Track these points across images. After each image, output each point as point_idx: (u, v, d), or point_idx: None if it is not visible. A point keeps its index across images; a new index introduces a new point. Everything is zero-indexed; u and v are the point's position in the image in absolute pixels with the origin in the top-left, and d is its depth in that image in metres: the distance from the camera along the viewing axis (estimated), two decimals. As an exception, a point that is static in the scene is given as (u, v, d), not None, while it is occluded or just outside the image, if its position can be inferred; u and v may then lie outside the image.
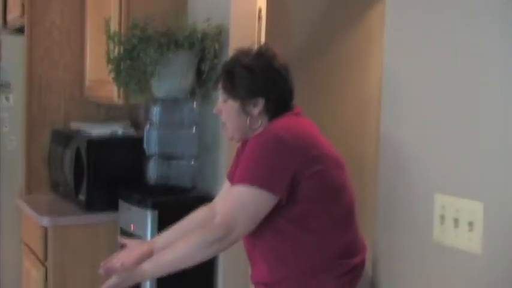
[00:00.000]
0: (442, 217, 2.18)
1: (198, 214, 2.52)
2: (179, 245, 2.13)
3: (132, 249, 2.35)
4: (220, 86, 2.29)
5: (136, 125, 4.07)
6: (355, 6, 4.06)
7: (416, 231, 2.29)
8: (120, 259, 2.28)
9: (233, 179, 2.16)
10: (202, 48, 3.27)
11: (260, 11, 3.49)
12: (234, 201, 2.10)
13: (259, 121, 2.24)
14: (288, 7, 4.03)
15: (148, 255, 2.28)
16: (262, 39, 3.54)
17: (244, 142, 2.34)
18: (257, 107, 2.23)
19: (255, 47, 2.38)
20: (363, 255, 2.28)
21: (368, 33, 3.98)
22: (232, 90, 2.24)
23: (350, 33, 4.08)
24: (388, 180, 2.41)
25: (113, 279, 2.13)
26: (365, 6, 4.03)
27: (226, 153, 3.33)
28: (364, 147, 3.95)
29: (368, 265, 2.38)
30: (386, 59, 2.43)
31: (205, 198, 3.31)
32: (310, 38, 4.10)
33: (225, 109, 2.28)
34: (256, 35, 3.43)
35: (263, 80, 2.23)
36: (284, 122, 2.20)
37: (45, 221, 3.45)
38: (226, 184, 2.46)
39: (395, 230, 2.38)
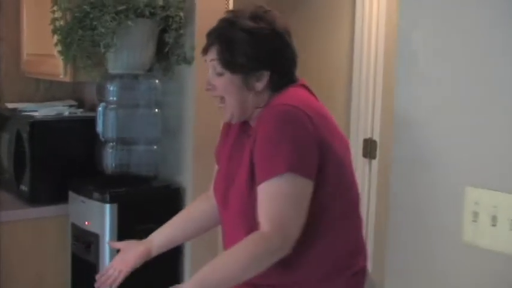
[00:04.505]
0: (475, 214, 1.87)
1: (198, 205, 2.19)
2: (228, 260, 1.76)
3: (127, 253, 2.08)
4: (212, 55, 1.86)
5: (81, 105, 3.63)
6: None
7: (440, 231, 1.98)
8: (116, 267, 2.06)
9: (258, 175, 1.77)
10: (165, 17, 2.86)
11: (228, -26, 3.11)
12: (276, 199, 1.73)
13: (263, 97, 1.86)
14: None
15: (146, 256, 2.08)
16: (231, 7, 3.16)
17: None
18: (261, 81, 1.84)
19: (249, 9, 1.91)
20: (366, 256, 1.99)
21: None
22: (231, 61, 1.83)
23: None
24: (405, 171, 2.08)
25: None
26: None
27: (191, 137, 2.99)
28: (335, 103, 3.89)
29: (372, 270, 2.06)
30: (401, 26, 2.09)
31: (171, 188, 3.00)
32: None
33: (222, 84, 1.86)
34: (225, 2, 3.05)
35: (269, 47, 1.84)
36: (294, 93, 1.85)
37: (-19, 217, 3.01)
38: (216, 167, 2.10)
39: (413, 231, 2.06)
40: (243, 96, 1.85)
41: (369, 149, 3.78)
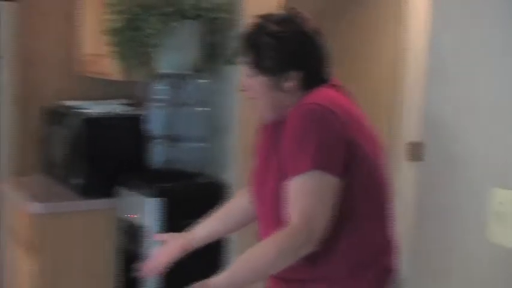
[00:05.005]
0: (500, 214, 1.90)
1: (238, 200, 2.26)
2: (257, 254, 1.83)
3: (169, 245, 2.18)
4: (244, 58, 1.96)
5: (134, 103, 3.76)
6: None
7: (467, 230, 2.01)
8: (158, 258, 2.17)
9: (286, 173, 1.83)
10: (212, 19, 2.96)
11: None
12: (302, 196, 1.79)
13: (293, 97, 1.92)
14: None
15: (186, 249, 2.16)
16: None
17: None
18: (291, 81, 1.91)
19: (279, 12, 2.02)
20: (394, 255, 2.00)
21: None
22: (259, 64, 1.91)
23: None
24: (434, 172, 2.12)
25: None
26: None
27: (238, 136, 3.06)
28: (380, 105, 3.92)
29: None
30: (432, 33, 2.13)
31: (216, 185, 3.09)
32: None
33: (253, 85, 1.94)
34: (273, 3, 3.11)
35: (294, 49, 1.91)
36: (323, 93, 1.90)
37: (36, 207, 3.17)
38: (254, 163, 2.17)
39: (441, 229, 2.09)
40: (273, 97, 1.92)
41: (414, 151, 3.78)
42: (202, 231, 2.21)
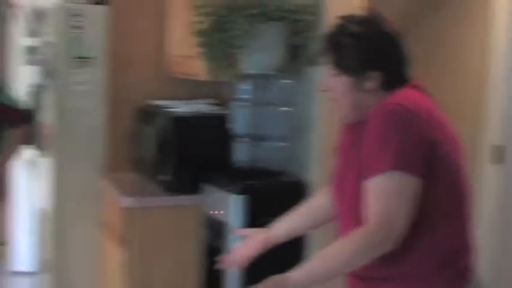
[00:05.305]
0: None
1: (318, 199, 2.31)
2: (334, 252, 1.89)
3: (250, 240, 2.26)
4: (326, 59, 2.01)
5: (221, 103, 3.86)
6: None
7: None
8: (239, 253, 2.26)
9: (365, 172, 1.87)
10: (295, 21, 3.02)
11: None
12: (380, 195, 1.83)
13: (375, 97, 1.96)
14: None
15: (266, 244, 2.22)
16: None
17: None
18: (371, 81, 1.95)
19: (361, 13, 2.09)
20: (471, 257, 2.00)
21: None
22: (340, 64, 1.97)
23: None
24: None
25: None
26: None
27: (320, 135, 3.11)
28: (465, 107, 3.82)
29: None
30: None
31: (298, 184, 3.15)
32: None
33: (336, 85, 2.00)
34: (356, 5, 3.15)
35: (374, 49, 1.95)
36: (405, 94, 1.93)
37: (128, 201, 3.31)
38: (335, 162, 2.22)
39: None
40: (354, 97, 1.97)
41: (497, 154, 3.71)
42: (282, 228, 2.27)
